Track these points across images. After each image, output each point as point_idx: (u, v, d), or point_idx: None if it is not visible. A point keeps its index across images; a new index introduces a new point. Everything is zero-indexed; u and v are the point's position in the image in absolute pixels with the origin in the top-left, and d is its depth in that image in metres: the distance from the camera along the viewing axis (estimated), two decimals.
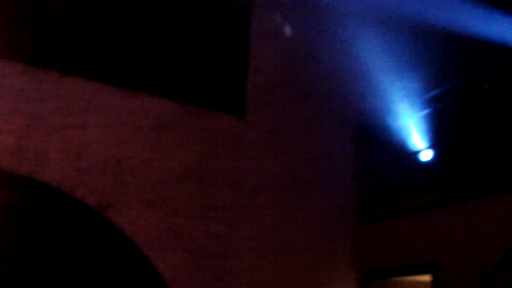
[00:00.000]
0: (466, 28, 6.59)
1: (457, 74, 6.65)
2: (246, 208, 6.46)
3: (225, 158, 6.50)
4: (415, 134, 6.75)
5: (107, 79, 6.03)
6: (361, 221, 6.84)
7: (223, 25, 7.01)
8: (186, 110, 6.38)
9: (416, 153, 6.71)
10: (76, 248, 6.68)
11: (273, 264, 6.44)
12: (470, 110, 6.77)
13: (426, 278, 6.12)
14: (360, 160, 7.00)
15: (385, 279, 6.79)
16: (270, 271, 6.41)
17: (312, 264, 6.64)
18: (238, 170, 6.57)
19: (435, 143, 6.64)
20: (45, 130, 5.58)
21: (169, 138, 6.21)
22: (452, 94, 6.83)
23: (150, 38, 6.49)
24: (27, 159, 5.47)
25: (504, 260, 4.81)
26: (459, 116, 6.78)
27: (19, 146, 5.45)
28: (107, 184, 5.79)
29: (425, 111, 6.79)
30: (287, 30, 7.30)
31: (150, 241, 5.87)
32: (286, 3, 7.30)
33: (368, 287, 6.75)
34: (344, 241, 6.85)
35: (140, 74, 6.33)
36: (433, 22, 6.94)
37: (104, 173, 5.79)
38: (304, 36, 7.32)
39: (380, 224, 6.63)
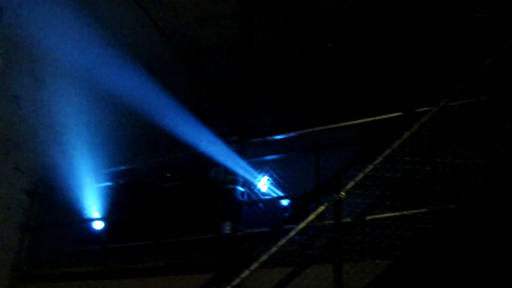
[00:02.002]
0: (165, 121, 7.16)
1: (147, 158, 7.21)
2: None
3: None
4: (93, 203, 6.91)
5: None
6: (18, 279, 6.43)
7: None
8: None
9: (89, 220, 6.86)
10: None
11: None
12: (148, 194, 7.33)
13: None
14: (33, 214, 6.73)
15: None
16: None
17: None
18: None
19: (107, 216, 6.87)
20: None
21: None
22: (134, 175, 7.32)
23: None
24: None
25: None
26: (136, 196, 7.25)
27: None
28: None
29: (107, 184, 7.06)
30: None
31: None
32: None
33: None
34: None
35: None
36: (136, 107, 7.35)
37: None
38: (10, 75, 6.98)
39: (39, 285, 6.31)
